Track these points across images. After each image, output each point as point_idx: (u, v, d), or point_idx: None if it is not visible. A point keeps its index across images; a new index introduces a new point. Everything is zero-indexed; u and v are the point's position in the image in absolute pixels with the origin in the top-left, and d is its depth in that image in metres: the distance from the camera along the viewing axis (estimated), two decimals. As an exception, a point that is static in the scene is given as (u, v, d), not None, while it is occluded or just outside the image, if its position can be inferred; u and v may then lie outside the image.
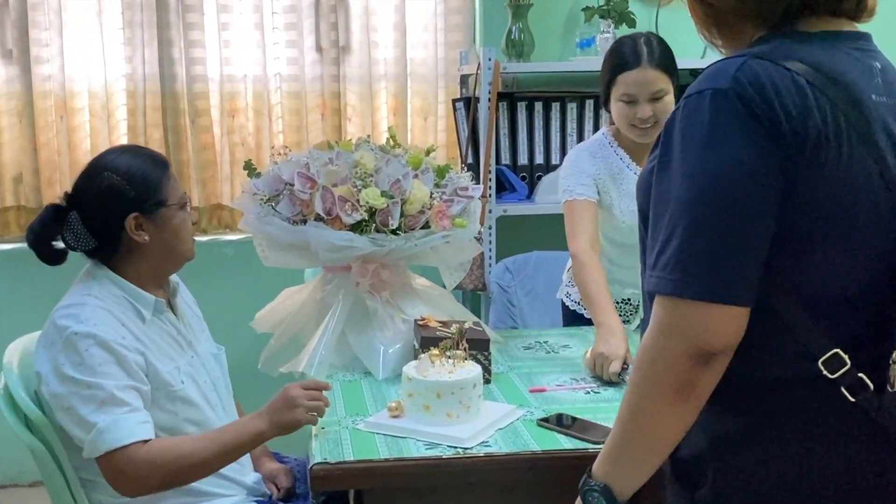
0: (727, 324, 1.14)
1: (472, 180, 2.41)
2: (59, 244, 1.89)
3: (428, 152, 2.40)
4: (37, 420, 1.87)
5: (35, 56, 3.31)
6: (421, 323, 2.22)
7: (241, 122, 3.49)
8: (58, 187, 3.40)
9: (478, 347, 2.11)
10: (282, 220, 2.24)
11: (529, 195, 3.31)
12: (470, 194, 2.35)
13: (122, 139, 3.42)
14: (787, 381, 1.20)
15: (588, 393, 2.09)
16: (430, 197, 2.27)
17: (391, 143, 2.42)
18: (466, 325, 2.13)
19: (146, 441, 1.76)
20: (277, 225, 2.23)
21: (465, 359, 1.93)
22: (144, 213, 1.88)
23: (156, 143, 3.42)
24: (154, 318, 1.91)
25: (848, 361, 1.17)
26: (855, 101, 1.17)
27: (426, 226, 2.26)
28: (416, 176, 2.29)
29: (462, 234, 2.31)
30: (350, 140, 2.44)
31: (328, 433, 1.87)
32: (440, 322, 2.22)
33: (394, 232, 2.22)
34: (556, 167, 3.31)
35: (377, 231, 2.21)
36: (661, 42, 2.41)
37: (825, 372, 1.17)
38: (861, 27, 1.28)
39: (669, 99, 2.38)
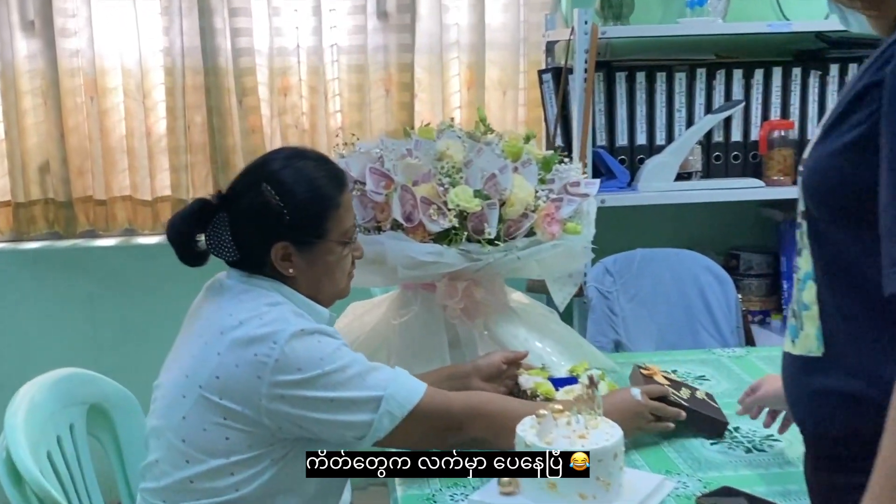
0: None
1: (582, 173, 1.95)
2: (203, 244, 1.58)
3: (527, 139, 1.94)
4: (43, 496, 1.46)
5: (60, 28, 2.91)
6: (646, 373, 1.76)
7: (294, 100, 3.05)
8: (89, 177, 3.02)
9: (711, 429, 1.67)
10: (350, 227, 1.79)
11: (631, 182, 2.82)
12: (583, 191, 1.88)
13: (161, 123, 3.00)
14: None
15: (750, 451, 1.62)
16: (535, 196, 1.81)
17: (482, 127, 1.96)
18: (698, 395, 1.71)
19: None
20: (345, 234, 1.79)
21: (598, 416, 1.46)
22: (296, 245, 1.55)
23: (198, 128, 3.00)
24: None
25: None
26: None
27: (531, 233, 1.80)
28: (515, 169, 1.83)
29: (575, 241, 1.85)
30: (429, 124, 1.98)
31: (419, 514, 1.44)
32: (667, 379, 1.75)
33: (491, 242, 1.77)
34: (660, 149, 2.82)
35: (469, 241, 1.76)
36: None
37: None
38: None
39: None
